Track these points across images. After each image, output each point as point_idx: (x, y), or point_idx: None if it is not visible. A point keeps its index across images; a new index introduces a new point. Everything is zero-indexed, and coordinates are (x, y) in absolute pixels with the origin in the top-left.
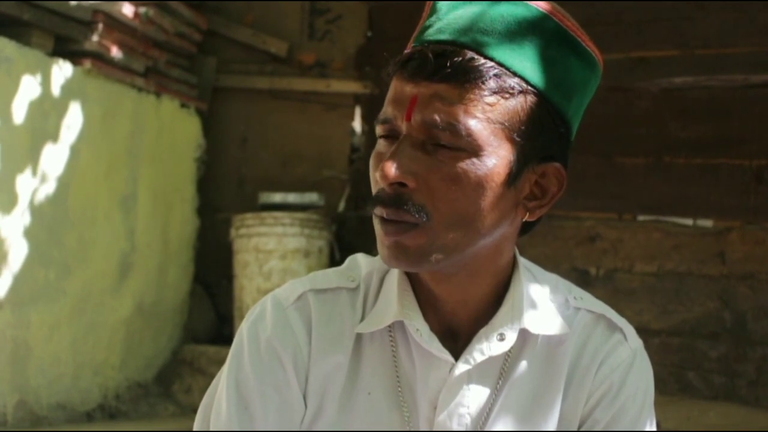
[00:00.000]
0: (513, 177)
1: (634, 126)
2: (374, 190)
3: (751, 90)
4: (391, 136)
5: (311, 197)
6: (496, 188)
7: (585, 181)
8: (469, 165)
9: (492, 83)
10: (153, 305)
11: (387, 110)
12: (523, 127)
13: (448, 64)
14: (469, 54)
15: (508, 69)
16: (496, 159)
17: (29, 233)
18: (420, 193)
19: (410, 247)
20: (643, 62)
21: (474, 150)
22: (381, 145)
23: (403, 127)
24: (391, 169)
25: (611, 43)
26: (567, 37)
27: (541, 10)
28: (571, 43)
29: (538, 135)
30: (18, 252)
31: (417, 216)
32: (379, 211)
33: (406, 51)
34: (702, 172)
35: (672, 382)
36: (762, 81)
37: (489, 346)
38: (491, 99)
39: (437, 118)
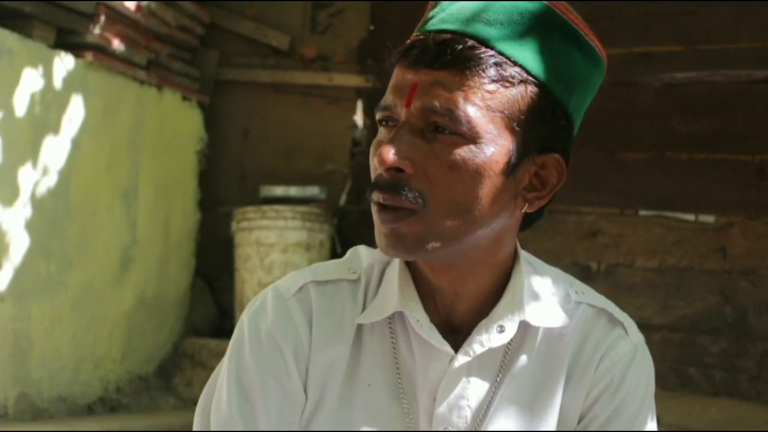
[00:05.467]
0: (512, 166)
1: (636, 121)
2: (373, 177)
3: (754, 85)
4: (391, 123)
5: (313, 191)
6: (495, 177)
7: (587, 176)
8: (467, 152)
9: (492, 71)
10: (154, 298)
11: (387, 98)
12: (522, 117)
13: (449, 52)
14: (470, 42)
15: (508, 58)
16: (494, 147)
17: (30, 226)
18: (417, 180)
19: (407, 235)
20: (645, 57)
21: (472, 137)
22: (381, 133)
23: (403, 113)
24: (389, 154)
25: (614, 37)
26: (570, 30)
27: (544, 2)
28: (574, 36)
29: (538, 125)
30: (19, 245)
31: (414, 202)
32: (376, 196)
33: (408, 41)
34: (704, 167)
35: (673, 378)
36: (765, 76)
37: (489, 338)
38: (491, 87)
39: (437, 104)
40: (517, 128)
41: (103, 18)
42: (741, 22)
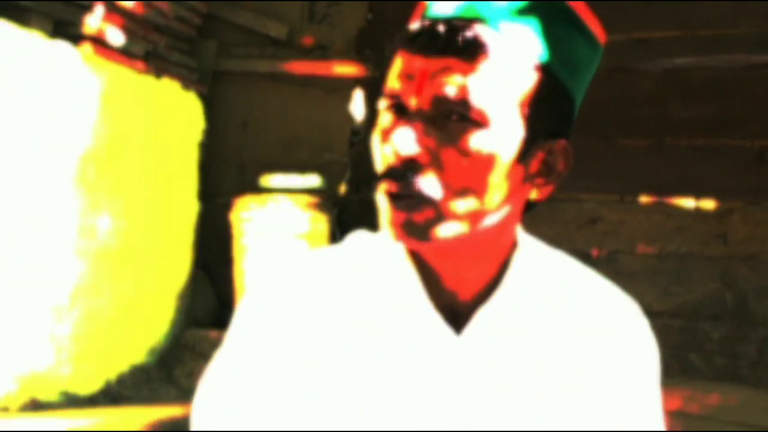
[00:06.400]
0: (523, 153)
1: (635, 107)
2: (381, 166)
3: (752, 70)
4: (398, 110)
5: (312, 181)
6: (506, 164)
7: (586, 163)
8: (480, 139)
9: (503, 58)
10: (154, 290)
11: (394, 84)
12: (532, 103)
13: (459, 38)
14: (480, 28)
15: (518, 44)
16: (506, 134)
17: (30, 218)
18: (431, 168)
19: (420, 223)
20: (644, 43)
21: (484, 124)
22: (386, 119)
23: (413, 101)
24: (403, 143)
25: (613, 24)
26: (573, 16)
27: None
28: (577, 21)
29: (546, 112)
30: (19, 236)
31: (427, 191)
32: (387, 185)
33: (414, 25)
34: (704, 153)
35: (674, 364)
36: (763, 61)
37: (491, 324)
38: (501, 73)
39: (448, 91)
40: (526, 114)
41: (100, 9)
42: (739, 7)
